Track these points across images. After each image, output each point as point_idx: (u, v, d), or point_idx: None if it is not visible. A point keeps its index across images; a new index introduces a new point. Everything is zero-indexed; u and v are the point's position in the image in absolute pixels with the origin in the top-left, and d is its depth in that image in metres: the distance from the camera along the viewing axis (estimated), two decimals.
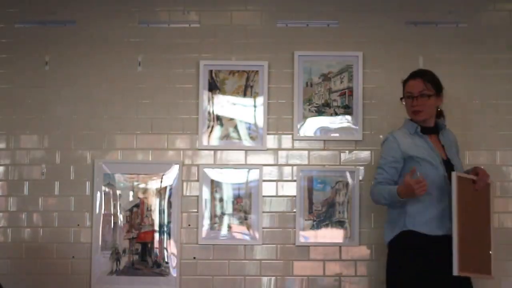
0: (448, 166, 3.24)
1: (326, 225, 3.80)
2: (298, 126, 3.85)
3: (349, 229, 3.79)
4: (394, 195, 3.13)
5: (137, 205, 3.83)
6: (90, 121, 3.88)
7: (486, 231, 3.23)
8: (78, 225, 3.82)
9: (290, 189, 3.82)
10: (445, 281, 3.09)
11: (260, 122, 3.85)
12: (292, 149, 3.85)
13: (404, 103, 3.36)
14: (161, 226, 3.81)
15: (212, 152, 3.85)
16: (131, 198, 3.83)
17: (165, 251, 3.80)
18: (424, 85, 3.27)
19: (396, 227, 3.25)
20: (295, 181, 3.82)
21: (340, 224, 3.80)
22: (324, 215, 3.81)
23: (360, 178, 3.79)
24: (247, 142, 3.85)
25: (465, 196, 3.13)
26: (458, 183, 3.10)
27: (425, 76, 3.31)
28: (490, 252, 3.18)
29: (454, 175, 3.11)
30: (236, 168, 3.83)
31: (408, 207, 3.18)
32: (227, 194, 3.83)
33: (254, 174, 3.82)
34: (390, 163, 3.24)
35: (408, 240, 3.17)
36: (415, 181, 3.04)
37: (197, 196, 3.81)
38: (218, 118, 3.86)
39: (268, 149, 3.84)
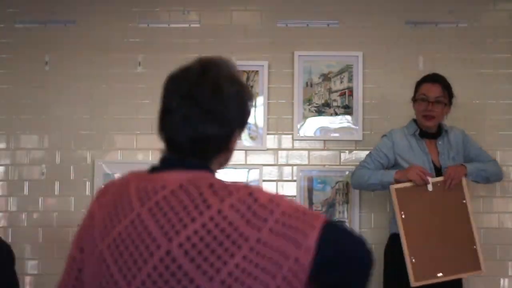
0: (439, 173, 3.20)
1: None
2: (298, 126, 3.84)
3: None
4: (388, 173, 3.15)
5: None
6: (90, 121, 3.88)
7: (464, 228, 3.09)
8: (78, 225, 3.80)
9: (290, 189, 3.82)
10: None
11: (260, 122, 3.85)
12: (292, 149, 3.85)
13: (415, 105, 3.25)
14: None
15: None
16: None
17: None
18: (442, 92, 3.17)
19: (389, 231, 3.34)
20: (295, 181, 3.81)
21: None
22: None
23: None
24: (247, 142, 3.85)
25: (413, 205, 3.07)
26: (397, 196, 3.07)
27: (444, 83, 3.20)
28: (475, 247, 3.07)
29: (391, 188, 3.09)
30: (236, 168, 3.82)
31: None
32: None
33: (254, 174, 3.82)
34: (379, 157, 3.26)
35: (394, 242, 3.17)
36: (421, 168, 3.06)
37: None
38: None
39: (268, 149, 3.84)
